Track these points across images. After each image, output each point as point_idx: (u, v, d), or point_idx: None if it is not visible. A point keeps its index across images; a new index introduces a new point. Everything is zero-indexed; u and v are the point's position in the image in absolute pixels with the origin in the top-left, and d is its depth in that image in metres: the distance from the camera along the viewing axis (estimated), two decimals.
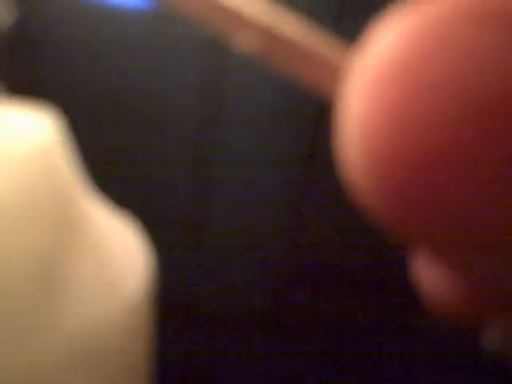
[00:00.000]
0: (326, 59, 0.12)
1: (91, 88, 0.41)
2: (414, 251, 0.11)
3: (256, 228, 0.50)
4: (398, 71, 0.09)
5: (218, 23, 0.12)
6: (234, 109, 0.48)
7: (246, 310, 0.51)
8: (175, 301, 0.44)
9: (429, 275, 0.13)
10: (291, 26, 0.12)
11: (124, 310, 0.28)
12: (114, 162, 0.43)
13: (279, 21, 0.12)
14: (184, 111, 0.47)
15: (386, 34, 0.09)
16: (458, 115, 0.08)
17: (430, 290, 0.13)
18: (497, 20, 0.08)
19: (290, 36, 0.12)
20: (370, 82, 0.09)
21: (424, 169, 0.09)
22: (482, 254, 0.09)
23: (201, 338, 0.46)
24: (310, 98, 0.46)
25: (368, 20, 0.12)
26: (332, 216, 0.48)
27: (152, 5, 0.13)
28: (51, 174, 0.26)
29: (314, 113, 0.47)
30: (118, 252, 0.30)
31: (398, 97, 0.09)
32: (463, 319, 0.12)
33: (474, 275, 0.10)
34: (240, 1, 0.12)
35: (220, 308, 0.49)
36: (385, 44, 0.09)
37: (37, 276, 0.25)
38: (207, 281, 0.49)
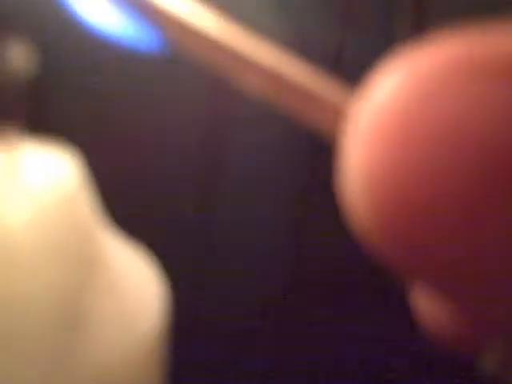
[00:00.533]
0: (329, 102, 0.12)
1: (104, 128, 0.42)
2: (412, 283, 0.11)
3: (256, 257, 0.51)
4: (396, 123, 0.09)
5: (225, 65, 0.13)
6: (235, 146, 0.48)
7: (248, 322, 0.51)
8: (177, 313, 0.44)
9: (426, 305, 0.13)
10: (295, 69, 0.12)
11: (142, 344, 0.29)
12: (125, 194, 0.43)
13: (284, 64, 0.12)
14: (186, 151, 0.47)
15: (385, 82, 0.09)
16: (457, 168, 0.08)
17: (427, 318, 0.13)
18: (496, 74, 0.08)
19: (294, 79, 0.12)
20: (369, 133, 0.09)
21: (421, 219, 0.09)
22: (479, 294, 0.09)
23: (201, 348, 0.45)
24: (310, 136, 0.46)
25: (368, 64, 0.13)
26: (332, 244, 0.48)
27: (162, 47, 0.13)
28: (72, 213, 0.27)
29: (312, 149, 0.48)
30: (135, 287, 0.30)
31: (395, 148, 0.09)
32: (460, 344, 0.12)
33: (470, 309, 0.10)
34: (247, 44, 0.12)
35: (221, 320, 0.49)
36: (384, 94, 0.09)
37: (59, 315, 0.26)
38: (209, 300, 0.49)
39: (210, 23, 0.13)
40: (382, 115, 0.09)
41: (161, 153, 0.47)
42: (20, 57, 0.23)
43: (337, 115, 0.12)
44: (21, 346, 0.25)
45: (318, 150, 0.47)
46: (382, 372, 0.51)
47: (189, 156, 0.48)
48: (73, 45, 0.36)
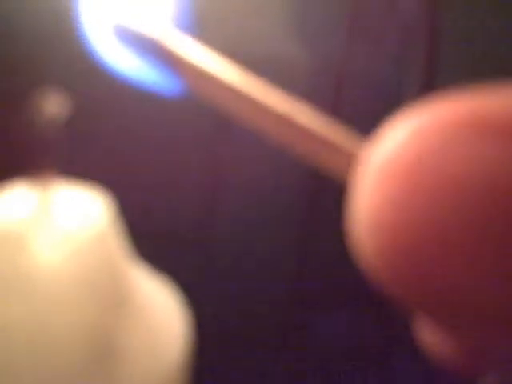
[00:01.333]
0: (338, 146, 0.13)
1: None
2: (416, 315, 0.12)
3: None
4: (405, 173, 0.10)
5: (240, 111, 0.13)
6: (233, 183, 0.49)
7: (254, 329, 0.51)
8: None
9: (429, 334, 0.13)
10: (306, 115, 0.13)
11: (168, 375, 0.30)
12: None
13: (294, 109, 0.13)
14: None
15: (397, 132, 0.10)
16: (458, 219, 0.09)
17: (430, 346, 0.13)
18: (496, 133, 0.09)
19: (304, 123, 0.13)
20: (376, 181, 0.10)
21: (424, 264, 0.09)
22: (477, 327, 0.10)
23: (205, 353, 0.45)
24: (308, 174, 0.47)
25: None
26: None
27: (175, 91, 0.14)
28: (104, 251, 0.28)
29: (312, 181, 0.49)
30: (161, 321, 0.31)
31: (400, 196, 0.10)
32: (461, 370, 0.13)
33: (469, 338, 0.11)
34: (262, 92, 0.13)
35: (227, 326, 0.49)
36: (395, 144, 0.10)
37: (91, 351, 0.27)
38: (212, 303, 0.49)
39: (227, 71, 0.14)
40: (392, 164, 0.10)
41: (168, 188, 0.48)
42: (54, 105, 0.24)
43: (348, 160, 0.12)
44: (56, 376, 0.26)
45: (318, 182, 0.48)
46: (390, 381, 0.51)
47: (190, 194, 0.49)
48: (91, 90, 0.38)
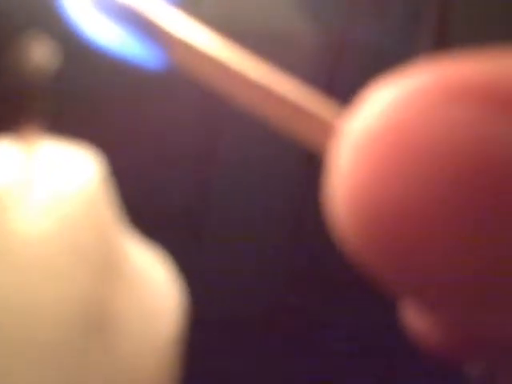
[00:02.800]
0: (319, 117, 0.12)
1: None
2: (403, 300, 0.12)
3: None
4: (384, 142, 0.09)
5: (221, 81, 0.13)
6: (225, 171, 0.49)
7: (245, 314, 0.51)
8: None
9: (415, 319, 0.13)
10: (287, 85, 0.13)
11: (164, 341, 0.29)
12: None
13: (276, 80, 0.13)
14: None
15: (373, 102, 0.10)
16: (440, 181, 0.09)
17: (417, 331, 0.13)
18: (480, 99, 0.09)
19: (285, 94, 0.13)
20: (355, 149, 0.10)
21: (407, 239, 0.09)
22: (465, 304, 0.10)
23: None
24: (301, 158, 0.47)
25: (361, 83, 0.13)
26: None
27: (160, 63, 0.14)
28: (94, 216, 0.27)
29: (305, 163, 0.48)
30: (155, 291, 0.30)
31: (379, 170, 0.09)
32: (449, 355, 0.13)
33: (453, 321, 0.11)
34: (241, 62, 0.13)
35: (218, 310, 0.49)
36: (372, 113, 0.10)
37: (85, 318, 0.25)
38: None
39: (209, 42, 0.13)
40: (370, 134, 0.10)
41: (159, 157, 0.47)
42: (41, 56, 0.23)
43: (327, 131, 0.12)
44: (48, 350, 0.24)
45: (311, 163, 0.47)
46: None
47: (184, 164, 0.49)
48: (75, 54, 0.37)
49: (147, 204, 0.47)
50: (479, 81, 0.09)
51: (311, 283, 0.52)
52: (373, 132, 0.10)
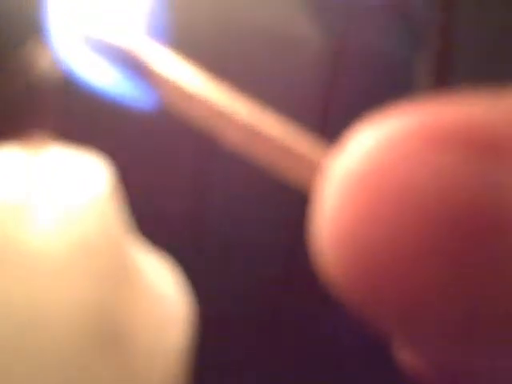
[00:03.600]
0: (306, 156, 0.13)
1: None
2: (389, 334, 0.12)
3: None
4: (364, 185, 0.10)
5: (209, 120, 0.13)
6: (218, 203, 0.49)
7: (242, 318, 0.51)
8: None
9: (402, 351, 0.13)
10: (276, 126, 0.13)
11: (174, 351, 0.29)
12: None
13: (265, 120, 0.13)
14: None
15: (357, 144, 0.10)
16: (414, 224, 0.09)
17: (405, 362, 0.13)
18: (458, 143, 0.09)
19: (273, 134, 0.13)
20: (338, 191, 0.10)
21: (385, 277, 0.09)
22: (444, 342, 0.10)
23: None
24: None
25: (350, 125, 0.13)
26: None
27: (151, 104, 0.14)
28: (104, 224, 0.26)
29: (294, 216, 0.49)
30: (164, 299, 0.30)
31: (361, 207, 0.10)
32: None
33: (435, 354, 0.11)
34: (230, 102, 0.13)
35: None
36: (356, 156, 0.10)
37: (95, 327, 0.25)
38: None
39: (198, 82, 0.14)
40: (352, 176, 0.10)
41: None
42: (49, 62, 0.23)
43: (314, 170, 0.12)
44: (57, 360, 0.24)
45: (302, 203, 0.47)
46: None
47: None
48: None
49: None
50: (460, 126, 0.09)
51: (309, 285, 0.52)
52: (355, 175, 0.10)
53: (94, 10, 0.17)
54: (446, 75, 0.44)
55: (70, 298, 0.25)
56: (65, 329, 0.25)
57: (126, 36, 0.16)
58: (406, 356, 0.13)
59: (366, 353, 0.51)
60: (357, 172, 0.10)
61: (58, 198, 0.25)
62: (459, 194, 0.09)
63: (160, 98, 0.15)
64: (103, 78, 0.16)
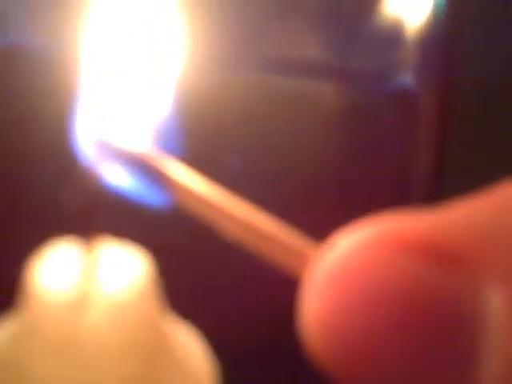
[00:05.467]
0: (297, 250, 0.15)
1: None
2: None
3: None
4: (340, 284, 0.12)
5: (212, 219, 0.16)
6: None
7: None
8: None
9: None
10: (267, 221, 0.15)
11: None
12: None
13: (257, 216, 0.15)
14: None
15: (338, 248, 0.12)
16: (382, 321, 0.11)
17: None
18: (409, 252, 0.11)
19: (268, 231, 0.15)
20: (319, 286, 0.12)
21: (360, 363, 0.11)
22: None
23: None
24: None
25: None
26: None
27: (162, 202, 0.16)
28: (149, 314, 0.29)
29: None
30: (195, 372, 0.32)
31: (338, 303, 0.11)
32: None
33: None
34: (230, 203, 0.16)
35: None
36: (336, 258, 0.12)
37: None
38: None
39: (202, 186, 0.16)
40: (334, 274, 0.12)
41: None
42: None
43: (303, 262, 0.14)
44: None
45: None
46: None
47: None
48: None
49: None
50: (422, 236, 0.11)
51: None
52: (333, 275, 0.12)
53: (110, 117, 0.20)
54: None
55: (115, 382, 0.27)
56: None
57: (136, 141, 0.18)
58: None
59: None
60: (334, 272, 0.12)
61: (107, 291, 0.28)
62: (419, 296, 0.11)
63: (170, 197, 0.17)
64: (120, 179, 0.18)
